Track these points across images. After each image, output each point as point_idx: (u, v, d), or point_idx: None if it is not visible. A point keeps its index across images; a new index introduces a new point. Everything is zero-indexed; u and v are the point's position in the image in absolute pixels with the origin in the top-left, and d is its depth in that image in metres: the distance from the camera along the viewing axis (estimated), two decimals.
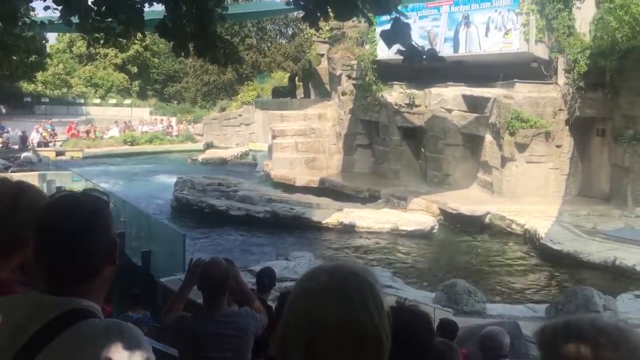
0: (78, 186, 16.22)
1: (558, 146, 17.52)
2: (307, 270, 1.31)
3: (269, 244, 15.52)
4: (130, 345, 1.47)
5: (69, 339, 1.45)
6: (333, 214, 17.00)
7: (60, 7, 4.39)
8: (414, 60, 3.39)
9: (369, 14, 3.44)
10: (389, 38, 3.22)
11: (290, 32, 53.46)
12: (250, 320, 3.56)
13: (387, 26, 3.27)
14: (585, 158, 18.11)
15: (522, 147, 17.11)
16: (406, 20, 3.27)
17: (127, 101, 47.67)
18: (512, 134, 17.02)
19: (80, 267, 1.56)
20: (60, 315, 1.49)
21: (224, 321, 3.49)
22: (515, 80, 17.72)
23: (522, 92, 17.53)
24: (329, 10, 3.63)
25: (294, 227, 16.83)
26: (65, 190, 1.71)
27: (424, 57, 3.46)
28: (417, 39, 19.53)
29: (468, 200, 17.64)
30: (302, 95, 27.94)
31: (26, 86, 44.10)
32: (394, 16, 3.21)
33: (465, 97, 19.27)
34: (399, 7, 3.34)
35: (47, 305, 1.51)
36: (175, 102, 50.63)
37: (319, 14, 3.67)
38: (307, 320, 1.18)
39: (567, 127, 17.53)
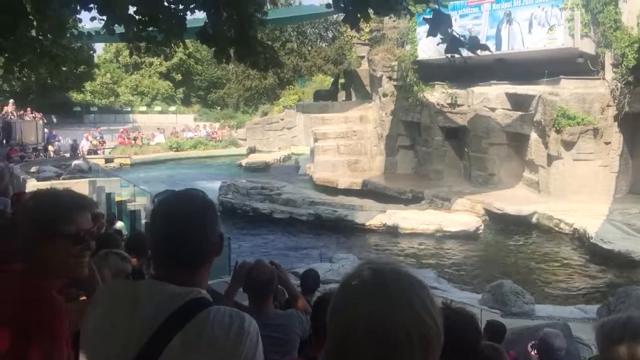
0: (126, 192, 16.61)
1: (607, 143, 17.02)
2: (347, 274, 1.23)
3: (312, 246, 15.55)
4: (251, 334, 1.60)
5: (198, 326, 1.56)
6: (376, 216, 16.93)
7: (104, 17, 4.52)
8: (456, 48, 3.36)
9: (409, 7, 3.44)
10: (432, 24, 3.22)
11: (330, 35, 53.58)
12: (296, 322, 3.56)
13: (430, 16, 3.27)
14: (635, 154, 17.54)
15: (569, 145, 16.71)
16: (445, 12, 3.26)
17: (172, 108, 48.60)
18: (558, 131, 16.64)
19: (198, 254, 1.70)
20: (186, 303, 1.60)
21: (270, 324, 3.50)
22: (560, 76, 17.32)
23: (568, 89, 17.12)
24: (370, 9, 3.62)
25: (337, 230, 16.84)
26: (168, 189, 1.84)
27: (467, 45, 3.42)
28: None
29: (514, 199, 17.32)
30: (344, 98, 27.94)
31: (75, 96, 45.45)
32: (434, 8, 3.21)
33: (509, 95, 18.93)
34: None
35: (172, 294, 1.62)
36: (219, 107, 51.34)
37: (359, 15, 3.67)
38: (372, 328, 1.10)
39: (616, 123, 17.01)
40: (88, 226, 1.97)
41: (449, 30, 3.19)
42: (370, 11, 3.67)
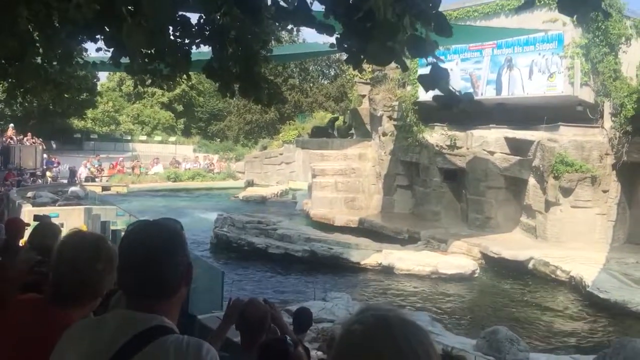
0: (121, 221, 16.52)
1: (605, 191, 17.08)
2: (350, 319, 1.24)
3: (306, 284, 15.42)
4: None
5: (154, 352, 1.55)
6: (372, 255, 16.85)
7: (111, 49, 4.56)
8: (451, 105, 3.38)
9: (405, 59, 3.45)
10: (427, 83, 3.23)
11: (332, 73, 54.24)
12: None
13: (426, 70, 3.28)
14: (633, 204, 17.58)
15: (567, 192, 16.75)
16: (443, 66, 3.27)
17: (172, 138, 48.81)
18: (556, 177, 16.70)
19: (163, 283, 1.69)
20: (145, 330, 1.59)
21: None
22: (559, 123, 17.48)
23: (567, 136, 17.26)
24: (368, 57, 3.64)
25: (332, 267, 16.72)
26: (144, 219, 1.86)
27: (461, 102, 3.44)
28: (459, 81, 19.60)
29: (510, 244, 17.26)
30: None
31: (77, 123, 45.68)
32: (431, 61, 3.22)
33: (508, 139, 19.07)
34: (439, 51, 3.34)
35: (134, 321, 1.62)
36: (218, 139, 51.58)
37: (362, 57, 3.70)
38: None
39: (614, 171, 17.11)
40: None
41: (446, 86, 3.21)
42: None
